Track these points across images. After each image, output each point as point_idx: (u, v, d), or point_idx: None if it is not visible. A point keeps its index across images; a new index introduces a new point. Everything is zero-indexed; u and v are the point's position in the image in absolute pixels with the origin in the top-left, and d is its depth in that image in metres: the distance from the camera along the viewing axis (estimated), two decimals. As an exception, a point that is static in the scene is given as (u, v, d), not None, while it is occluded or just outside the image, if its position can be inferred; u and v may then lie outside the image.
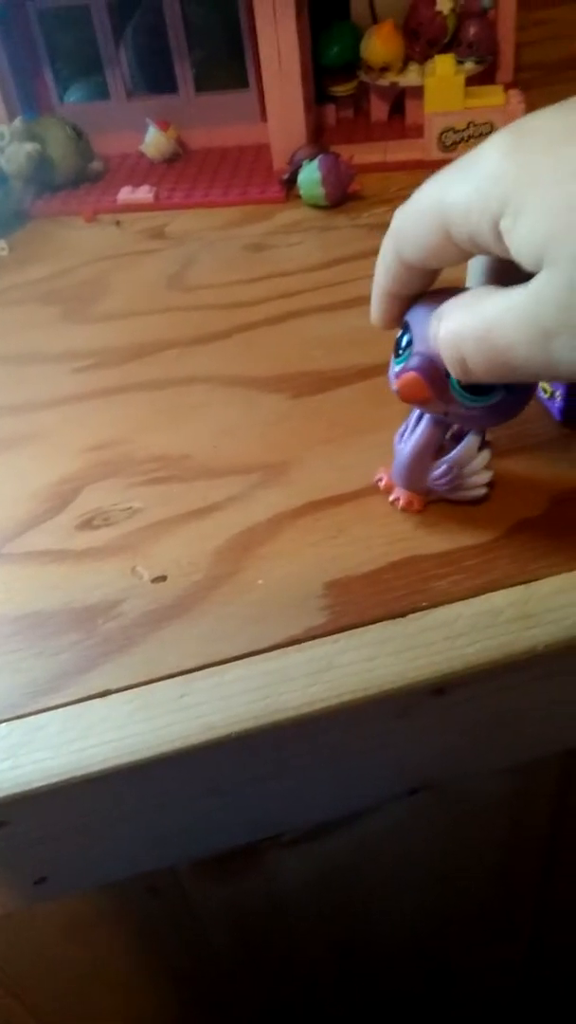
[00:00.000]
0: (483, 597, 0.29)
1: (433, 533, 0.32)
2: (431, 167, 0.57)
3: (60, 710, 0.27)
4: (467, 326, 0.25)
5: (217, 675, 0.28)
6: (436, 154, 0.59)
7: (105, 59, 0.63)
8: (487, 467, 0.31)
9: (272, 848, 0.36)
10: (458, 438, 0.31)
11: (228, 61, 0.64)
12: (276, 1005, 0.46)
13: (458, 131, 0.58)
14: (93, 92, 0.68)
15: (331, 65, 0.63)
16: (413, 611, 0.29)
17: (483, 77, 0.63)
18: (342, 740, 0.29)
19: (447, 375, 0.27)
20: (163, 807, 0.28)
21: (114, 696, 0.28)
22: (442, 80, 0.56)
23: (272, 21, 0.55)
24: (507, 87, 0.60)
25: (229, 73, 0.64)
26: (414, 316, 0.29)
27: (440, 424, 0.30)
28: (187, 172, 0.62)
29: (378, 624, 0.29)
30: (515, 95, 0.59)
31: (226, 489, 0.35)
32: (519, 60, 0.67)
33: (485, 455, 0.31)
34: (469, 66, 0.61)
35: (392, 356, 0.30)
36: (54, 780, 0.26)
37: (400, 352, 0.29)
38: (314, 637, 0.29)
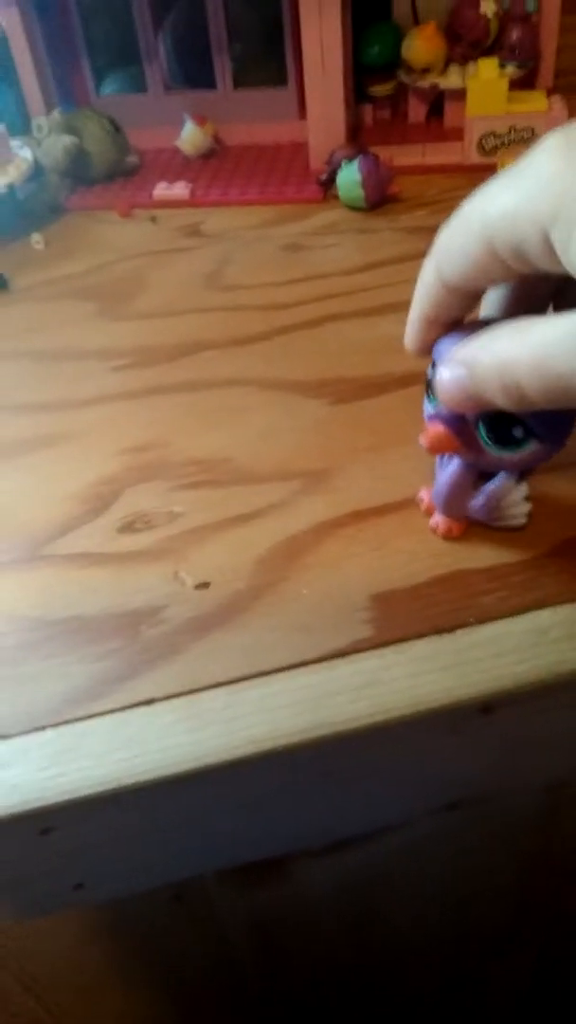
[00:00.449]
0: (530, 615, 0.29)
1: (478, 548, 0.31)
2: (470, 171, 0.58)
3: (105, 717, 0.27)
4: (520, 357, 0.24)
5: (262, 687, 0.28)
6: (476, 158, 0.59)
7: (144, 52, 0.63)
8: (527, 498, 0.31)
9: (299, 859, 0.36)
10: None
11: (267, 58, 0.63)
12: (295, 1012, 0.46)
13: (499, 136, 0.58)
14: (129, 84, 0.67)
15: (371, 64, 0.63)
16: (460, 627, 0.29)
17: (524, 81, 0.62)
18: (385, 755, 0.28)
19: (476, 424, 0.27)
20: (203, 818, 0.28)
21: (158, 705, 0.28)
22: (485, 84, 0.56)
23: (317, 18, 0.55)
24: (548, 92, 0.60)
25: (268, 70, 0.63)
26: (441, 352, 0.28)
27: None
28: (223, 169, 0.62)
29: (424, 639, 0.29)
30: (557, 100, 0.58)
31: (267, 495, 0.35)
32: (559, 64, 0.66)
33: (523, 489, 0.30)
34: (511, 70, 0.60)
35: (425, 393, 0.29)
36: (99, 789, 0.25)
37: (428, 391, 0.28)
38: (359, 651, 0.28)
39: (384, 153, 0.58)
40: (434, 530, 0.32)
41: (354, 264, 0.51)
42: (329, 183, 0.57)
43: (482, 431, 0.27)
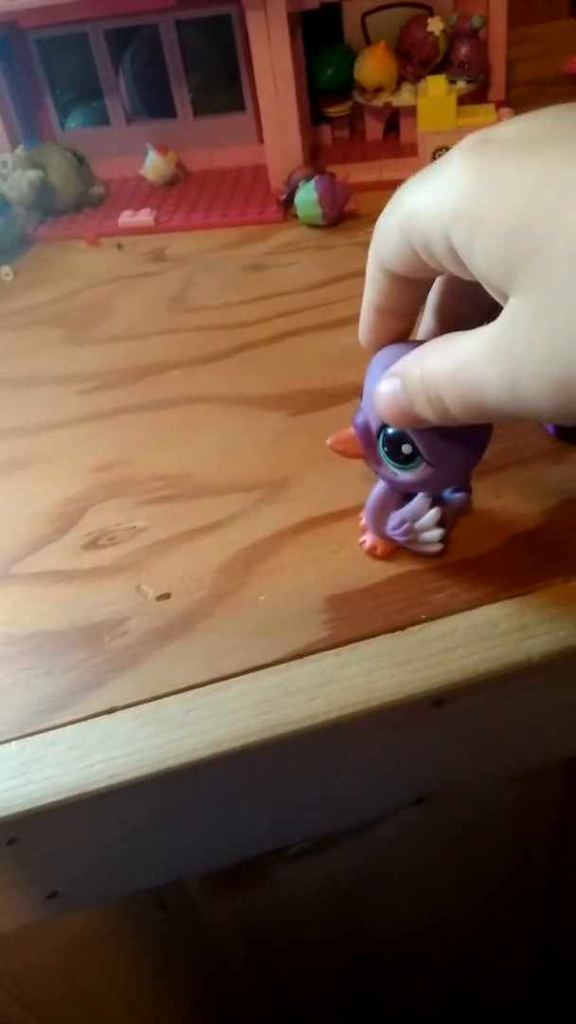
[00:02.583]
0: (480, 609, 0.30)
1: (430, 547, 0.32)
2: (426, 185, 0.59)
3: (69, 727, 0.28)
4: (442, 369, 0.24)
5: (222, 690, 0.29)
6: (431, 172, 0.60)
7: (104, 85, 0.65)
8: (440, 525, 0.30)
9: (279, 861, 0.37)
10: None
11: (225, 85, 0.65)
12: (285, 1017, 0.46)
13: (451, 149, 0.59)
14: (93, 117, 0.69)
15: (326, 87, 0.64)
16: (412, 624, 0.30)
17: (475, 96, 0.64)
18: (345, 752, 0.29)
19: (378, 435, 0.28)
20: (170, 821, 0.29)
21: (121, 712, 0.28)
22: (434, 100, 0.57)
23: (267, 45, 0.57)
24: (499, 105, 0.61)
25: (226, 97, 0.65)
26: (370, 371, 0.28)
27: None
28: (187, 194, 0.64)
29: (378, 637, 0.29)
30: (507, 113, 0.60)
31: (229, 506, 0.36)
32: (511, 77, 0.68)
33: (434, 514, 0.30)
34: (461, 85, 0.62)
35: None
36: (63, 796, 0.26)
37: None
38: (316, 651, 0.29)
39: (342, 171, 0.60)
40: (361, 547, 0.33)
41: (314, 280, 0.52)
42: (288, 203, 0.59)
43: (380, 443, 0.28)
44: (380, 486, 0.31)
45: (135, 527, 0.36)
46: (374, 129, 0.67)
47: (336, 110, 0.66)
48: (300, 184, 0.57)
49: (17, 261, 0.59)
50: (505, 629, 0.29)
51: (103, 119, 0.67)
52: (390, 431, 0.28)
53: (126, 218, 0.61)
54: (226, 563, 0.33)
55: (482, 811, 0.40)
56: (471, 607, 0.30)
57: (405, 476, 0.28)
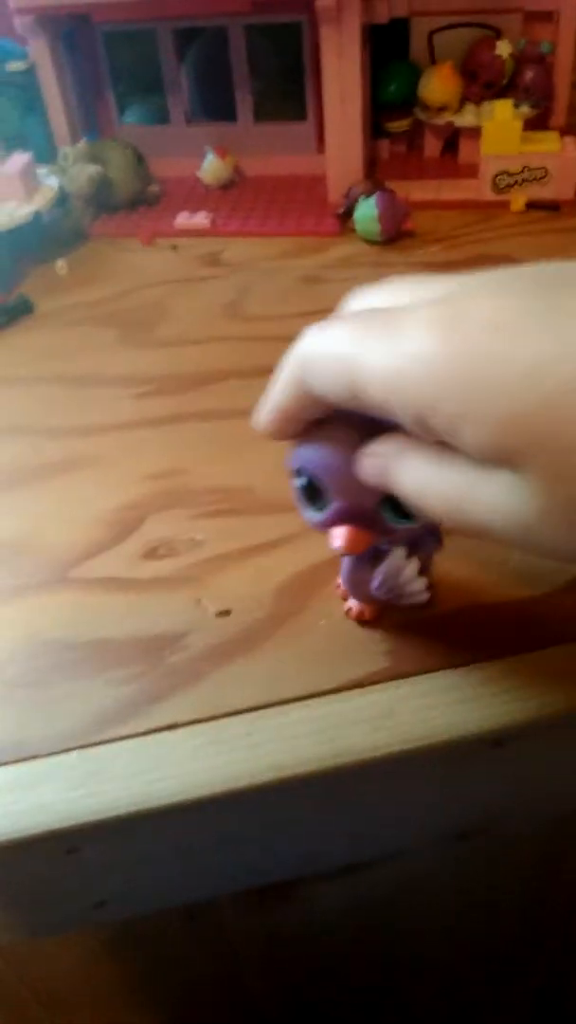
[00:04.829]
0: (543, 652, 0.30)
1: (498, 583, 0.33)
2: (484, 207, 0.60)
3: (130, 741, 0.28)
4: (437, 490, 0.22)
5: (282, 715, 0.29)
6: (489, 195, 0.60)
7: (167, 84, 0.65)
8: (422, 572, 0.29)
9: (311, 882, 0.37)
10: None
11: (287, 92, 0.65)
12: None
13: (512, 175, 0.59)
14: (149, 114, 0.69)
15: (388, 102, 0.64)
16: (474, 661, 0.30)
17: (537, 121, 0.64)
18: (397, 783, 0.29)
19: (377, 508, 0.25)
20: (224, 841, 0.29)
21: (182, 730, 0.29)
22: (500, 125, 0.57)
23: (337, 57, 0.57)
24: (562, 132, 0.61)
25: (287, 104, 0.65)
26: (315, 462, 0.26)
27: None
28: (243, 199, 0.64)
29: (440, 672, 0.30)
30: (571, 141, 0.60)
31: (287, 526, 0.36)
32: (573, 104, 0.68)
33: (414, 565, 0.29)
34: (524, 110, 0.62)
35: (300, 502, 0.27)
36: (125, 811, 0.26)
37: (311, 501, 0.26)
38: (376, 681, 0.29)
39: (400, 188, 0.60)
40: (348, 614, 0.32)
41: (370, 297, 0.52)
42: (346, 217, 0.59)
43: (386, 506, 0.25)
44: (348, 560, 0.30)
45: (193, 539, 0.36)
46: (432, 147, 0.67)
47: (397, 125, 0.66)
48: (360, 199, 0.57)
49: (72, 255, 0.59)
50: (565, 672, 0.29)
51: (160, 116, 0.67)
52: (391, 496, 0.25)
53: (183, 219, 0.61)
54: (285, 584, 0.33)
55: (513, 844, 0.40)
56: (534, 649, 0.30)
57: (414, 524, 0.26)
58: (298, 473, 0.26)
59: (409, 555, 0.29)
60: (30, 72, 0.60)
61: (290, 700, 0.29)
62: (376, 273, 0.55)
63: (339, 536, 0.25)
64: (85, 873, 0.28)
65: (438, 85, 0.62)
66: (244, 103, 0.64)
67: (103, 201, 0.62)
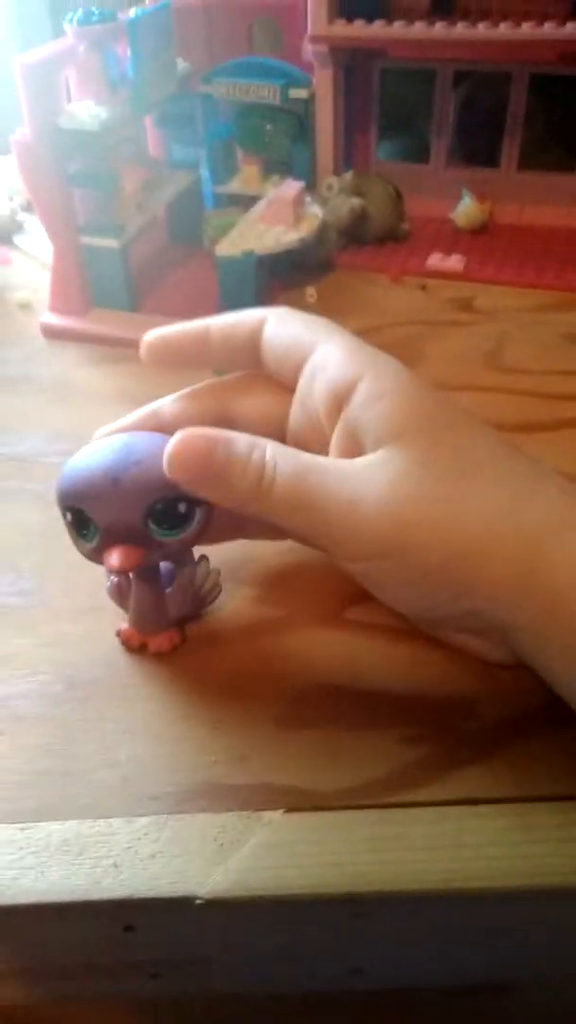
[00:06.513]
0: None
1: None
2: None
3: (431, 808, 0.27)
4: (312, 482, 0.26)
5: (592, 809, 0.26)
6: None
7: (435, 124, 0.64)
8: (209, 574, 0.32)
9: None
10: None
11: (555, 142, 0.63)
12: None
13: None
14: (404, 151, 0.69)
15: None
16: None
17: None
18: None
19: (143, 524, 0.27)
20: (490, 935, 0.27)
21: (484, 807, 0.27)
22: None
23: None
24: None
25: (553, 154, 0.64)
26: (74, 495, 0.28)
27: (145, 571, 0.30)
28: (495, 246, 0.62)
29: None
30: None
31: None
32: None
33: (204, 564, 0.32)
34: None
35: (73, 538, 0.29)
36: (423, 886, 0.25)
37: (81, 533, 0.28)
38: None
39: None
40: (156, 653, 0.32)
41: None
42: (612, 276, 0.56)
43: (151, 518, 0.27)
44: (140, 596, 0.31)
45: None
46: None
47: None
48: (632, 259, 0.55)
49: (319, 283, 0.59)
50: None
51: (417, 155, 0.67)
52: (158, 508, 0.27)
53: (435, 260, 0.60)
54: None
55: None
56: None
57: (186, 534, 0.28)
58: (65, 512, 0.29)
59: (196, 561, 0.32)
60: (309, 100, 0.60)
61: (595, 795, 0.27)
62: None
63: (114, 555, 0.27)
64: (356, 937, 0.26)
65: None
66: (512, 149, 0.63)
67: (356, 233, 0.62)
